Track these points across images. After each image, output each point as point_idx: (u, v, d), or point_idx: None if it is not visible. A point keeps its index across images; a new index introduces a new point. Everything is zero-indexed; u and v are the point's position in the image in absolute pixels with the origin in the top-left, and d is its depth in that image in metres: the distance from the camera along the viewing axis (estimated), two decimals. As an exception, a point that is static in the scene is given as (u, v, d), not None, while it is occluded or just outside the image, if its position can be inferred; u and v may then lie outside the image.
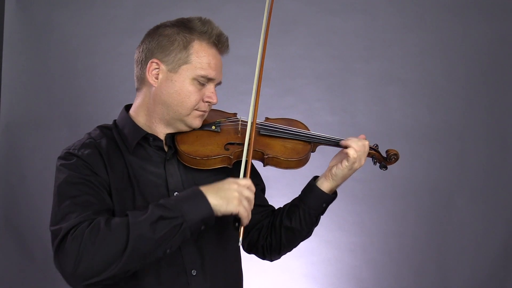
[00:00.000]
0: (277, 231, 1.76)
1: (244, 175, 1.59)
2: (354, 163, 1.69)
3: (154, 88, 1.62)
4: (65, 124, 3.05)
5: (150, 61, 1.62)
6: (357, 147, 1.69)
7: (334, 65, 3.17)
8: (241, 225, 1.54)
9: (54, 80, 3.06)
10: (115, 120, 1.71)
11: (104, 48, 3.07)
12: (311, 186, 1.74)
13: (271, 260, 1.84)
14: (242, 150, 1.65)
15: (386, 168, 1.80)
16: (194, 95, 1.61)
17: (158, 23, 1.71)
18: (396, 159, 1.79)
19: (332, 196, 1.74)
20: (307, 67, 3.17)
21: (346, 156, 1.69)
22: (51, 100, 3.05)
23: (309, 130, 1.78)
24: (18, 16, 3.05)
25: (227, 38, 1.66)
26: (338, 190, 1.77)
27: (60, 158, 1.59)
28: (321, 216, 1.78)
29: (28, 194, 3.02)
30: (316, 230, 1.81)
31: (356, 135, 1.74)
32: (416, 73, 3.17)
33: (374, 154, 1.78)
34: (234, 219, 1.55)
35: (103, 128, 1.68)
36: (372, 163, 1.82)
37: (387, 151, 1.79)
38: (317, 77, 3.17)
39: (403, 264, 3.13)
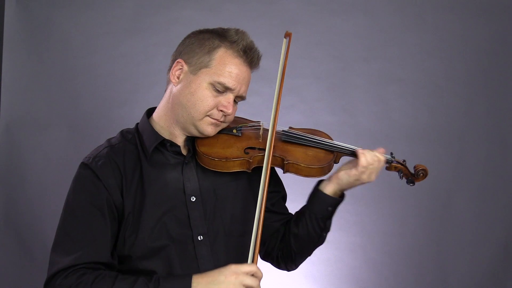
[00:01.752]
0: (286, 240, 1.74)
1: (252, 260, 1.53)
2: (363, 173, 1.64)
3: (174, 88, 1.63)
4: (65, 124, 3.05)
5: (176, 61, 1.64)
6: (370, 159, 1.64)
7: (334, 65, 3.16)
8: None
9: (54, 80, 3.06)
10: (137, 124, 1.72)
11: (104, 48, 3.07)
12: (315, 190, 1.71)
13: (287, 270, 1.83)
14: (263, 156, 1.62)
15: (414, 183, 1.73)
16: (207, 100, 1.60)
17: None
18: (425, 176, 1.72)
19: (337, 199, 1.69)
20: (307, 67, 3.17)
21: (357, 164, 1.64)
22: (51, 100, 3.05)
23: (332, 140, 1.74)
24: (18, 16, 3.05)
25: (258, 53, 1.65)
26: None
27: (78, 168, 1.63)
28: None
29: (28, 194, 3.02)
30: (316, 230, 1.80)
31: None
32: (416, 73, 3.17)
33: (401, 168, 1.72)
34: None
35: (125, 132, 1.70)
36: (399, 178, 1.75)
37: (415, 167, 1.73)
38: (317, 77, 3.17)
39: (403, 264, 3.13)
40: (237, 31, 1.64)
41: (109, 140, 1.68)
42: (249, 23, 3.08)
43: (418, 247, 3.13)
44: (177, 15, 3.02)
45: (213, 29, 1.67)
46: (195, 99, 1.60)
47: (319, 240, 1.74)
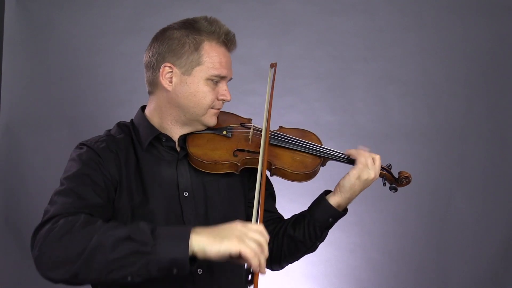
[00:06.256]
0: (279, 239, 1.75)
1: (257, 220, 1.46)
2: (362, 170, 1.66)
3: (168, 92, 1.64)
4: (65, 124, 3.05)
5: (162, 65, 1.64)
6: (367, 156, 1.68)
7: (334, 65, 3.17)
8: (254, 274, 1.32)
9: (54, 80, 3.06)
10: (132, 119, 1.74)
11: (104, 48, 3.07)
12: (320, 199, 1.72)
13: (272, 269, 1.82)
14: (251, 159, 1.64)
15: (396, 190, 1.76)
16: (209, 95, 1.64)
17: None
18: (408, 182, 1.75)
19: (340, 212, 1.71)
20: (307, 67, 3.17)
21: (355, 164, 1.68)
22: (51, 100, 3.05)
23: (321, 144, 1.76)
24: (18, 16, 3.05)
25: (234, 35, 1.68)
26: None
27: (75, 148, 1.63)
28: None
29: (28, 194, 3.02)
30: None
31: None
32: (416, 73, 3.18)
33: (385, 174, 1.74)
34: (247, 272, 1.36)
35: (121, 125, 1.71)
36: (382, 184, 1.78)
37: (399, 173, 1.76)
38: (317, 77, 3.17)
39: (403, 264, 3.13)
40: (207, 20, 1.66)
41: (108, 131, 1.70)
42: (249, 23, 3.09)
43: (418, 247, 3.13)
44: (177, 15, 3.01)
45: (182, 24, 1.67)
46: (198, 98, 1.63)
47: (311, 247, 1.75)
